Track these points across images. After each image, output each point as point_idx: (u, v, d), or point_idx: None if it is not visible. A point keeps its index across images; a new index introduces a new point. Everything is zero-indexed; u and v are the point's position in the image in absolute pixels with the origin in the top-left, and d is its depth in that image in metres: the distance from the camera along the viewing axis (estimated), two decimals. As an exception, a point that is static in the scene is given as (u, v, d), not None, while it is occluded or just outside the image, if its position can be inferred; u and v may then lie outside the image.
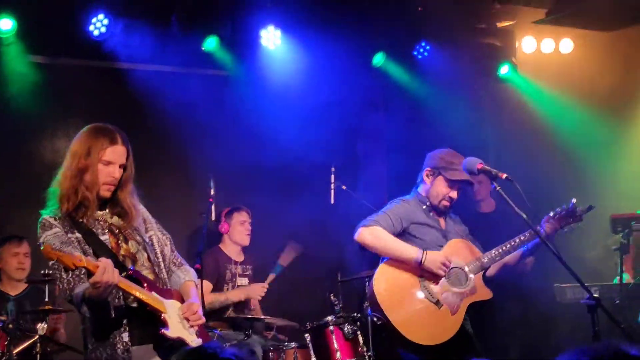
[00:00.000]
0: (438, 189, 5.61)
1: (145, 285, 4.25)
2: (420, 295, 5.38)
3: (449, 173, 5.58)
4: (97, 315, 4.15)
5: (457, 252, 5.58)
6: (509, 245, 5.50)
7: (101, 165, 4.33)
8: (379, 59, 9.24)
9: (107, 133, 4.38)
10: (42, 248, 3.92)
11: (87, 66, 8.26)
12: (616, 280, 7.21)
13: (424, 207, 5.64)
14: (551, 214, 5.51)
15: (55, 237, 4.22)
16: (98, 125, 4.45)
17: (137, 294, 4.15)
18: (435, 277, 5.42)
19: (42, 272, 6.63)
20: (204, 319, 4.52)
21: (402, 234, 5.56)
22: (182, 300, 4.49)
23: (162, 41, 8.05)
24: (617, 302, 6.67)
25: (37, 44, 7.81)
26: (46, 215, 4.29)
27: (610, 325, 4.65)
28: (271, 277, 7.77)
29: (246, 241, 7.89)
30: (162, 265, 4.55)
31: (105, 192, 4.38)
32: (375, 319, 5.40)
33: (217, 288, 7.62)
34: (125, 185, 4.47)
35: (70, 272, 4.09)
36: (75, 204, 4.28)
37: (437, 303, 5.38)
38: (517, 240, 5.47)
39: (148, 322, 4.26)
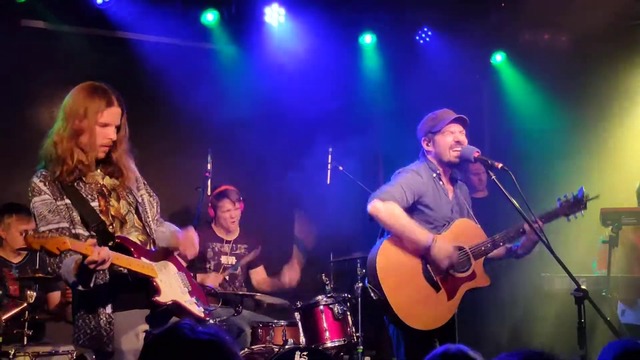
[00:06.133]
0: (442, 143, 5.47)
1: (134, 252, 4.23)
2: (421, 276, 5.26)
3: (439, 125, 5.50)
4: (85, 285, 4.09)
5: (462, 233, 5.45)
6: (512, 234, 5.42)
7: (98, 127, 4.29)
8: (370, 40, 9.34)
9: (104, 94, 4.33)
10: (24, 239, 3.82)
11: (89, 34, 8.24)
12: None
13: (434, 175, 5.49)
14: (560, 200, 5.49)
15: (43, 204, 4.18)
16: (93, 85, 4.39)
17: (128, 266, 4.14)
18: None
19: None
20: (197, 251, 4.54)
21: (413, 206, 5.43)
22: (172, 259, 4.50)
23: (164, 13, 8.06)
24: (604, 294, 6.73)
25: (38, 9, 7.80)
26: (36, 179, 4.23)
27: (594, 317, 4.67)
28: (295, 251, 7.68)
29: (232, 227, 7.69)
30: (152, 225, 4.53)
31: (101, 154, 4.35)
32: (372, 294, 5.29)
33: (198, 267, 7.50)
34: (119, 145, 4.43)
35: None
36: (70, 168, 4.23)
37: (436, 286, 5.27)
38: (515, 231, 5.43)
39: (136, 287, 4.26)
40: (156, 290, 4.25)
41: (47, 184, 4.21)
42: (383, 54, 9.55)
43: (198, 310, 4.44)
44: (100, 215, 4.28)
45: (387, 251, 5.30)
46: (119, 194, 4.41)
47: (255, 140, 8.72)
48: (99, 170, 4.41)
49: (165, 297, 4.26)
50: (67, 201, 4.22)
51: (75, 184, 4.28)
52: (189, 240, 4.50)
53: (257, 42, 8.79)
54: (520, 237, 5.46)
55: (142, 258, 4.25)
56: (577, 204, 5.51)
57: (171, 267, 4.46)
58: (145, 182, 4.67)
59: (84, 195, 4.27)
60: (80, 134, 4.27)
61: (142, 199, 4.54)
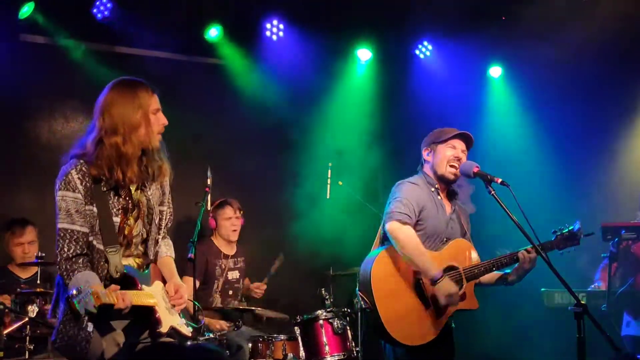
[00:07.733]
0: (440, 156, 5.52)
1: (136, 281, 4.22)
2: (413, 290, 5.27)
3: (445, 136, 5.55)
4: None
5: (458, 253, 5.48)
6: (505, 260, 5.42)
7: (152, 115, 4.28)
8: (369, 54, 9.36)
9: (142, 84, 4.32)
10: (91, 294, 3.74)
11: (89, 49, 8.24)
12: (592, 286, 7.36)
13: (432, 189, 5.54)
14: (556, 232, 5.51)
15: (74, 202, 4.13)
16: (127, 79, 4.34)
17: (138, 302, 4.11)
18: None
19: (36, 254, 6.67)
20: (186, 304, 4.51)
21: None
22: (161, 277, 4.49)
23: (164, 28, 8.08)
24: (604, 309, 6.74)
25: (39, 25, 7.81)
26: (74, 173, 4.14)
27: (594, 332, 4.68)
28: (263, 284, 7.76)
29: (233, 237, 7.78)
30: (156, 244, 4.52)
31: (157, 142, 4.36)
32: (362, 302, 5.31)
33: (207, 285, 7.60)
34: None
35: (72, 246, 4.08)
36: (117, 174, 4.17)
37: (426, 302, 5.26)
38: (508, 258, 5.46)
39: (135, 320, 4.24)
40: (158, 322, 4.24)
41: (83, 182, 4.15)
42: (382, 68, 9.57)
43: (187, 331, 4.45)
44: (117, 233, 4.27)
45: (383, 260, 5.31)
46: (141, 211, 4.38)
47: (254, 155, 8.73)
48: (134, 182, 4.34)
49: (165, 326, 4.26)
50: (94, 209, 4.18)
51: (109, 192, 4.23)
52: (179, 296, 4.44)
53: (257, 58, 8.82)
54: (512, 264, 5.47)
55: (142, 286, 4.25)
56: (572, 238, 5.52)
57: (160, 286, 4.45)
58: (169, 192, 4.64)
59: (110, 209, 4.23)
60: (138, 127, 4.23)
61: (161, 216, 4.54)
